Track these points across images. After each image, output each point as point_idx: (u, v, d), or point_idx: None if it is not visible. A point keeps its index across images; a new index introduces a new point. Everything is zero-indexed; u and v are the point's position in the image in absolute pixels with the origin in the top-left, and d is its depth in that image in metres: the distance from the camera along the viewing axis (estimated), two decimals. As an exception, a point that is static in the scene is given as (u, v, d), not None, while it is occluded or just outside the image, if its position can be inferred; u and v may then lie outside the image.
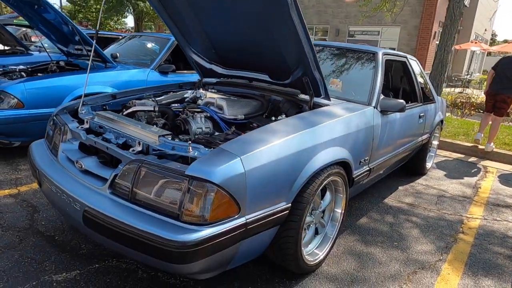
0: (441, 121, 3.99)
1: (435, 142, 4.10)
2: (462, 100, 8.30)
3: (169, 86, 2.84)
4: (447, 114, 7.11)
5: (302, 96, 2.31)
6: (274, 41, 2.06)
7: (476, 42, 15.52)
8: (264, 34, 2.06)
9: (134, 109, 2.12)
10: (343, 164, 2.01)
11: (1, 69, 3.81)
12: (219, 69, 2.70)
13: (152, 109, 2.11)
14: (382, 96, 2.51)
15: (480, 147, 4.91)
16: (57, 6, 3.81)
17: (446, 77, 16.48)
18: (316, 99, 2.24)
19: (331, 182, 2.00)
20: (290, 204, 1.65)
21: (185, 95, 2.56)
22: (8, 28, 5.81)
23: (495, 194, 3.53)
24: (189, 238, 1.28)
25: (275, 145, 1.57)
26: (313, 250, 2.03)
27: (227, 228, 1.37)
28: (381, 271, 2.08)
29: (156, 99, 2.43)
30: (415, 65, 3.48)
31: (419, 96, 3.33)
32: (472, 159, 4.80)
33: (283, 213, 1.62)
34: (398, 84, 3.51)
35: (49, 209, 2.44)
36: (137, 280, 1.80)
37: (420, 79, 3.49)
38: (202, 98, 2.39)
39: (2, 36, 5.36)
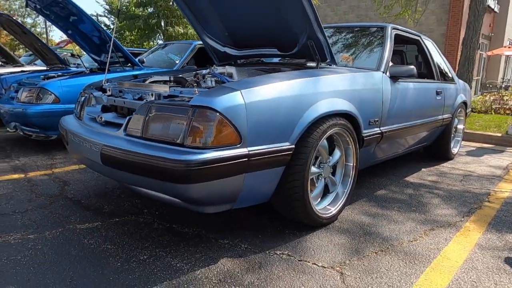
0: (465, 104, 3.88)
1: (460, 126, 3.97)
2: (497, 106, 7.79)
3: (187, 69, 3.04)
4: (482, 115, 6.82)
5: (310, 64, 2.40)
6: (279, 11, 2.18)
7: (509, 47, 14.93)
8: (270, 6, 2.20)
9: (152, 80, 2.30)
10: (349, 119, 2.04)
11: (43, 75, 4.23)
12: (232, 51, 2.86)
13: (168, 79, 2.28)
14: (391, 64, 2.55)
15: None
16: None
17: (481, 85, 15.86)
18: (323, 65, 2.31)
19: (338, 137, 2.03)
20: (293, 146, 1.70)
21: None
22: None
23: (528, 174, 3.33)
24: (193, 158, 1.38)
25: (277, 85, 1.66)
26: (325, 206, 2.04)
27: (229, 155, 1.45)
28: (395, 228, 2.03)
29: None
30: (430, 45, 3.47)
31: (435, 74, 3.31)
32: (504, 148, 4.57)
33: (286, 153, 1.67)
34: (413, 64, 3.50)
35: (79, 183, 2.63)
36: (152, 230, 1.90)
37: (436, 59, 3.46)
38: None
39: (46, 55, 5.95)
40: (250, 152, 1.53)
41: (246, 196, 1.65)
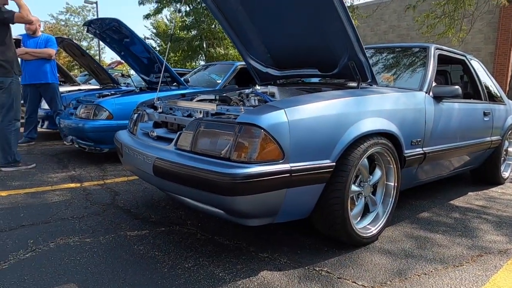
0: (516, 126, 3.68)
1: (511, 149, 3.76)
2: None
3: (229, 89, 3.19)
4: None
5: (351, 84, 2.44)
6: (320, 33, 2.27)
7: None
8: (311, 28, 2.29)
9: (198, 99, 2.46)
10: (391, 139, 2.04)
11: (98, 94, 4.61)
12: (274, 72, 2.97)
13: (214, 98, 2.42)
14: (435, 84, 2.52)
15: None
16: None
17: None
18: (363, 85, 2.34)
19: (379, 156, 2.04)
20: (334, 163, 1.73)
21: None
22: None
23: None
24: (238, 171, 1.46)
25: (319, 104, 1.72)
26: (365, 225, 2.03)
27: (272, 170, 1.52)
28: (440, 251, 1.97)
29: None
30: (476, 64, 3.38)
31: (483, 94, 3.21)
32: None
33: (327, 170, 1.71)
34: (459, 84, 3.41)
35: (128, 193, 2.82)
36: (195, 240, 1.99)
37: (483, 79, 3.36)
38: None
39: (100, 75, 6.48)
40: (292, 168, 1.59)
41: (286, 210, 1.69)
